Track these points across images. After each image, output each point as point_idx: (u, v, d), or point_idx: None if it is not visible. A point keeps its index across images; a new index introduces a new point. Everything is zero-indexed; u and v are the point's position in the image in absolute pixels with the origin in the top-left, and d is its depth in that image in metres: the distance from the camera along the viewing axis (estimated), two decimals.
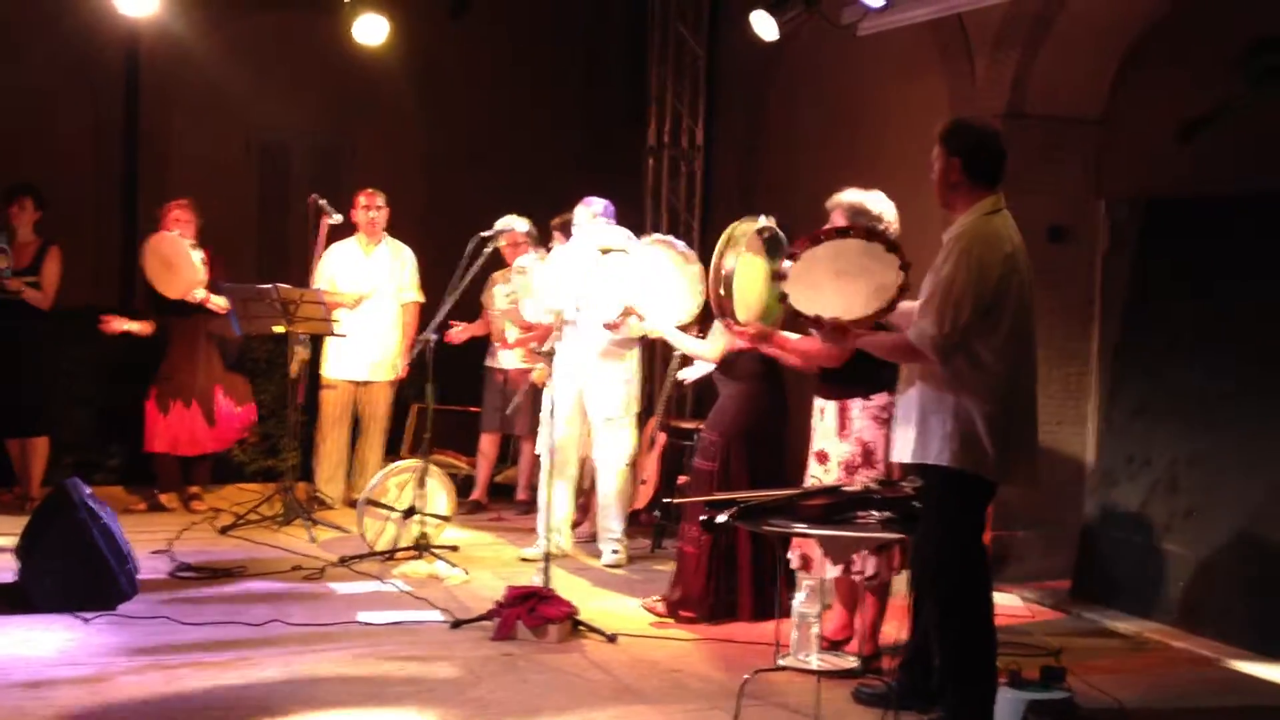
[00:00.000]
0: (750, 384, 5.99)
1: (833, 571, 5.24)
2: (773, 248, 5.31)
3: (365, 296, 8.19)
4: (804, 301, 4.50)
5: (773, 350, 5.50)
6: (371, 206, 8.20)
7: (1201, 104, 5.64)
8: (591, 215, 7.01)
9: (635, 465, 7.28)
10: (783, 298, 4.64)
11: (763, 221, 5.33)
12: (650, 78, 9.58)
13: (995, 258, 4.30)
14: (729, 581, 5.90)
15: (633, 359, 7.08)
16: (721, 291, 5.13)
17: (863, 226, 4.78)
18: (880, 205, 5.24)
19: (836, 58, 8.53)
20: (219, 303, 7.84)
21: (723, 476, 5.88)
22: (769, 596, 5.87)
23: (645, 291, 6.47)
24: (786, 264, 4.53)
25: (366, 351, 8.21)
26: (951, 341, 4.25)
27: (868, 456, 5.19)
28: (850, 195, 5.25)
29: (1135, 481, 6.46)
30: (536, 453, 7.29)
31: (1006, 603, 6.29)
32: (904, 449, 4.46)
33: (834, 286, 4.48)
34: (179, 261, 7.82)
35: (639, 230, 8.82)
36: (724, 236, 5.22)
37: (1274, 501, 5.81)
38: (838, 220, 5.19)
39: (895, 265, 4.42)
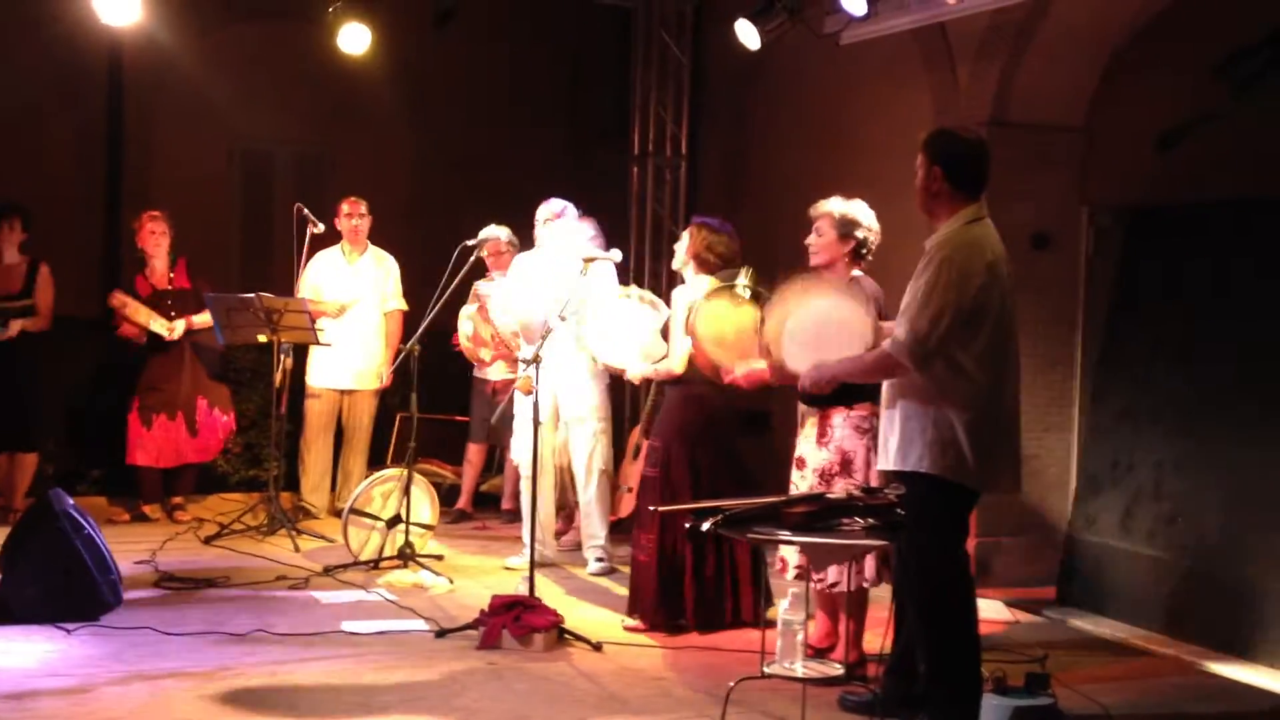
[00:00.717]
0: (688, 386, 5.97)
1: (791, 574, 5.23)
2: (759, 296, 5.38)
3: (349, 306, 8.17)
4: (788, 358, 4.67)
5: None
6: (355, 215, 8.21)
7: (1184, 112, 5.66)
8: (549, 215, 6.99)
9: (614, 472, 7.25)
10: (765, 348, 4.76)
11: (739, 284, 5.47)
12: (634, 85, 9.59)
13: (976, 266, 4.30)
14: (678, 589, 5.85)
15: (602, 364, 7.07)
16: (709, 351, 5.29)
17: (829, 282, 4.90)
18: (867, 216, 5.28)
19: (820, 66, 8.54)
20: (199, 321, 7.82)
21: (664, 481, 5.86)
22: (714, 604, 5.86)
23: (618, 345, 6.41)
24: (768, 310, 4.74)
25: (351, 360, 8.20)
26: (928, 349, 4.25)
27: (845, 465, 5.19)
28: (836, 205, 5.28)
29: (1119, 487, 6.47)
30: (514, 461, 7.26)
31: (991, 609, 6.29)
32: (886, 457, 4.46)
33: (815, 344, 4.62)
34: (141, 322, 7.87)
35: (623, 239, 8.87)
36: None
37: (1258, 506, 5.82)
38: (823, 228, 5.23)
39: (868, 313, 4.60)
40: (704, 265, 5.96)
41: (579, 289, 6.41)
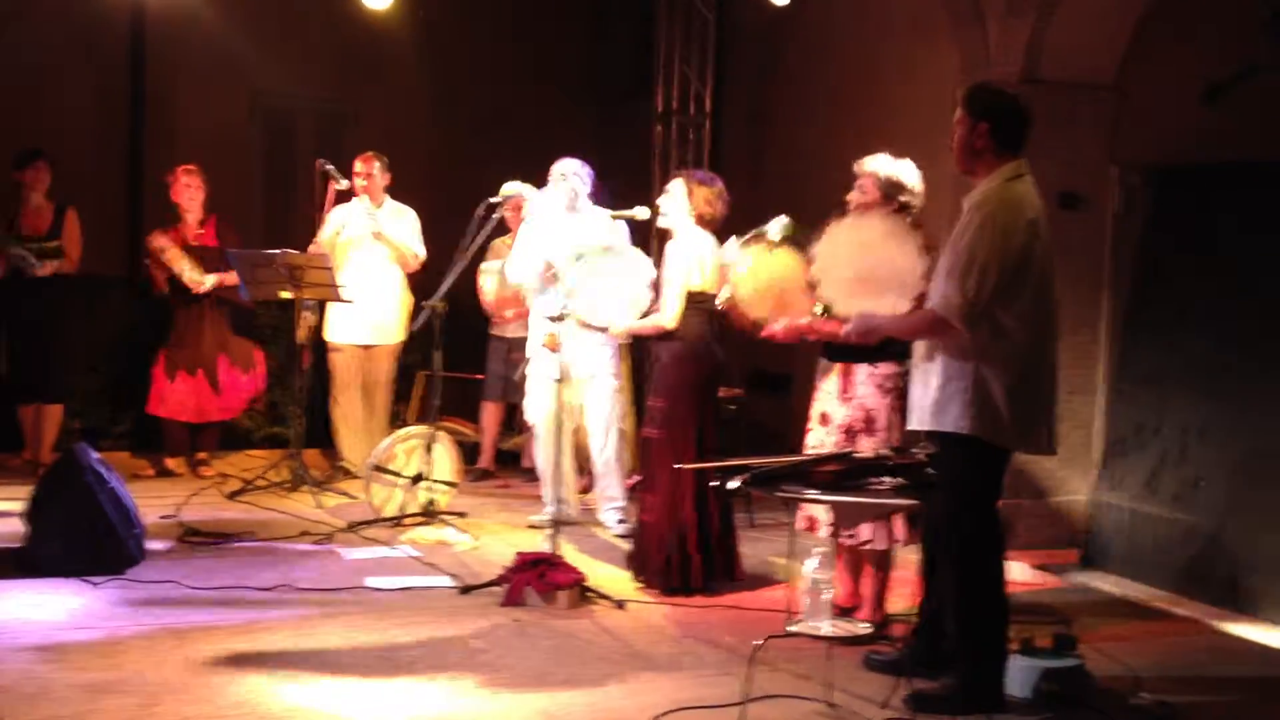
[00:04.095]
0: (688, 343, 5.90)
1: (824, 531, 5.21)
2: (799, 243, 5.30)
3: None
4: (837, 298, 4.62)
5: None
6: (364, 174, 8.05)
7: (1218, 68, 5.58)
8: (560, 176, 6.95)
9: (627, 430, 7.21)
10: (813, 285, 4.69)
11: (772, 229, 5.35)
12: (658, 43, 9.50)
13: (1018, 224, 4.26)
14: (683, 551, 5.80)
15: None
16: (739, 307, 5.21)
17: (879, 190, 4.81)
18: (913, 178, 5.19)
19: (847, 23, 8.47)
20: (229, 278, 7.79)
21: (670, 442, 5.81)
22: (717, 564, 5.84)
23: (598, 296, 6.29)
24: (814, 245, 4.64)
25: (369, 315, 8.10)
26: (978, 309, 4.21)
27: (869, 423, 5.16)
28: (883, 165, 5.17)
29: (1145, 450, 6.44)
30: (530, 421, 7.23)
31: (1016, 571, 6.26)
32: (921, 417, 4.43)
33: (861, 276, 4.56)
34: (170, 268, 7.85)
35: (646, 197, 8.80)
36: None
37: None
38: (867, 187, 5.14)
39: (918, 247, 4.52)
40: (708, 222, 5.92)
41: (601, 246, 6.37)
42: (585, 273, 6.24)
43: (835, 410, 5.24)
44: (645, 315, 6.10)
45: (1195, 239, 6.47)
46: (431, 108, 10.06)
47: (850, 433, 5.16)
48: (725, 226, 5.95)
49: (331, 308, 8.09)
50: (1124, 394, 6.69)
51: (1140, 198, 6.89)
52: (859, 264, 4.56)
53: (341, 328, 8.18)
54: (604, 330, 6.41)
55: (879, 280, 4.52)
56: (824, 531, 5.20)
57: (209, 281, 7.87)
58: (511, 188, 7.19)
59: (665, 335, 5.98)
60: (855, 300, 4.57)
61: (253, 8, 9.25)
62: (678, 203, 5.96)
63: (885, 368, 5.14)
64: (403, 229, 8.13)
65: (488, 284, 8.02)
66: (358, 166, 8.11)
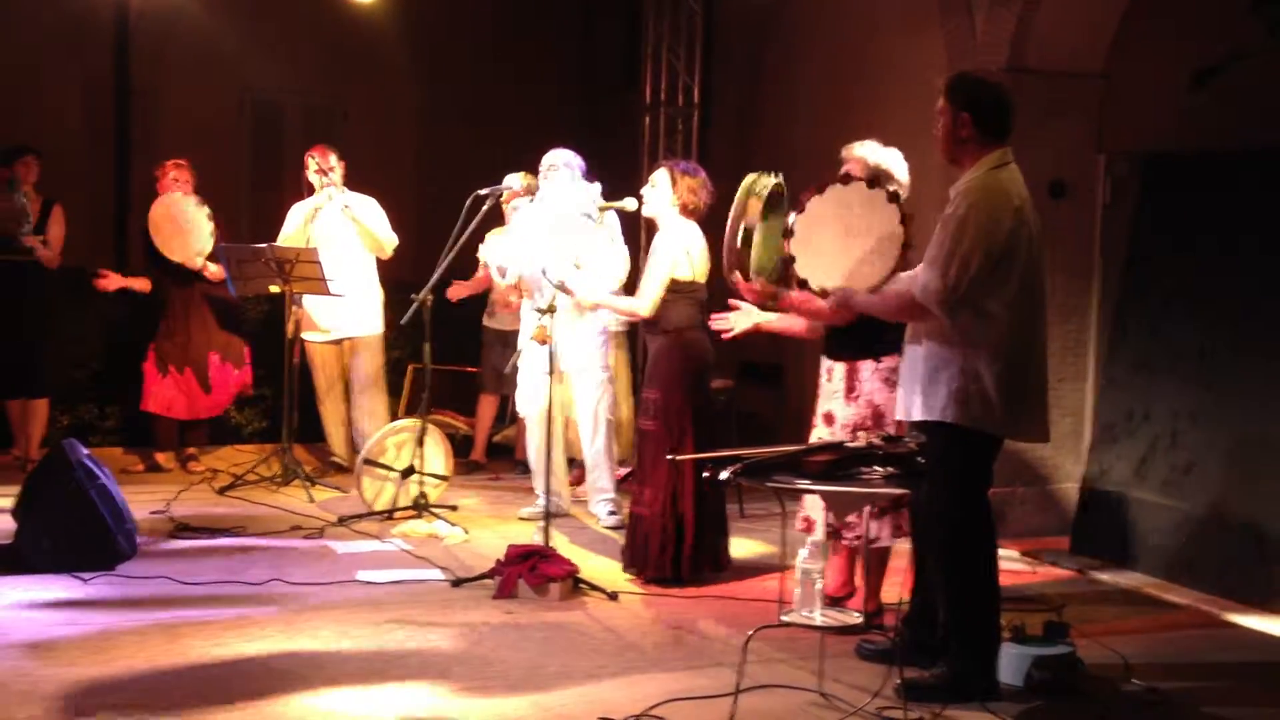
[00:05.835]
0: (679, 334, 5.90)
1: (820, 532, 5.17)
2: (774, 203, 5.26)
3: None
4: (811, 270, 4.57)
5: (775, 326, 5.43)
6: (324, 167, 7.82)
7: (1205, 57, 5.59)
8: (549, 167, 6.93)
9: (617, 422, 7.20)
10: (790, 261, 4.66)
11: (777, 179, 5.29)
12: (646, 34, 9.49)
13: (1004, 211, 4.27)
14: (678, 543, 5.80)
15: (604, 315, 7.01)
16: (739, 245, 5.11)
17: (864, 176, 4.77)
18: (899, 167, 5.17)
19: (835, 13, 8.46)
20: (215, 271, 7.76)
21: (665, 434, 5.81)
22: (711, 557, 5.86)
23: (571, 260, 6.35)
24: (792, 218, 4.56)
25: (341, 309, 7.88)
26: (957, 295, 4.22)
27: (878, 419, 5.07)
28: (871, 152, 5.14)
29: (1135, 437, 6.46)
30: (522, 413, 7.22)
31: (1007, 559, 6.29)
32: (910, 407, 4.43)
33: (840, 246, 4.53)
34: (188, 226, 7.77)
35: (634, 189, 8.80)
36: (744, 190, 5.16)
37: (1275, 456, 5.80)
38: (855, 172, 5.11)
39: (896, 219, 4.45)
40: (691, 211, 5.92)
41: (591, 238, 6.37)
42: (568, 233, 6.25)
43: (840, 410, 5.18)
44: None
45: (1183, 226, 6.49)
46: (420, 102, 10.05)
47: (858, 431, 5.10)
48: (710, 217, 5.95)
49: (307, 303, 7.91)
50: (1114, 381, 6.71)
51: (1128, 186, 6.91)
52: (839, 229, 4.54)
53: (314, 324, 8.04)
54: (569, 292, 6.29)
55: (858, 238, 4.50)
56: (819, 533, 5.16)
57: (200, 259, 7.78)
58: (509, 181, 7.15)
59: (654, 326, 5.98)
60: (834, 265, 4.53)
61: (241, 2, 9.22)
62: (661, 193, 5.96)
63: (889, 360, 5.07)
64: (372, 215, 7.94)
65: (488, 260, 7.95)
66: (314, 161, 7.88)
